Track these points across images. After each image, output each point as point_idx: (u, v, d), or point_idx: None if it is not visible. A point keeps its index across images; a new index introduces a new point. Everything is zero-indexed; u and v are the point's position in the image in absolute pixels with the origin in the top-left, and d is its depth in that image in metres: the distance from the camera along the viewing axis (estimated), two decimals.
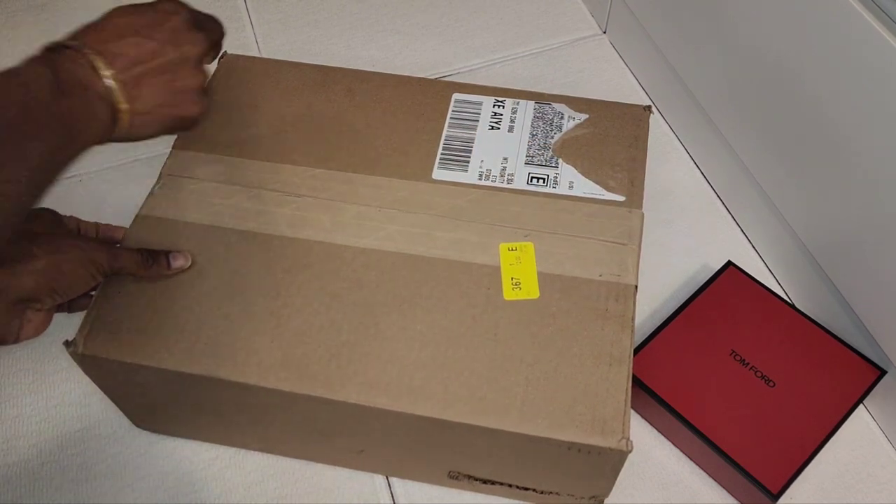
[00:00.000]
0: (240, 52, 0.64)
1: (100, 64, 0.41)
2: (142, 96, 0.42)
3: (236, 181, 0.55)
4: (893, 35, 0.44)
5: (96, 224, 0.54)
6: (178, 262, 0.50)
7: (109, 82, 0.41)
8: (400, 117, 0.59)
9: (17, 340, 0.44)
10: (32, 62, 0.39)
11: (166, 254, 0.50)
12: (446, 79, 0.76)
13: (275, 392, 0.46)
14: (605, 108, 0.59)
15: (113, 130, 0.42)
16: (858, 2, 0.46)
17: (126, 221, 0.53)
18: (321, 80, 0.61)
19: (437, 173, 0.56)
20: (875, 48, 0.45)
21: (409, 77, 0.62)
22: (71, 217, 0.52)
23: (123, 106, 0.42)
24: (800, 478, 0.49)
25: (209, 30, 0.46)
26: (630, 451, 0.44)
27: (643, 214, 0.53)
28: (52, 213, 0.50)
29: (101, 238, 0.53)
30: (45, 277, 0.44)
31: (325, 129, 0.58)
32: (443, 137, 0.58)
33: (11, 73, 0.38)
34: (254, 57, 0.64)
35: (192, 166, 0.56)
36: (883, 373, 0.53)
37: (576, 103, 0.60)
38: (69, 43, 0.41)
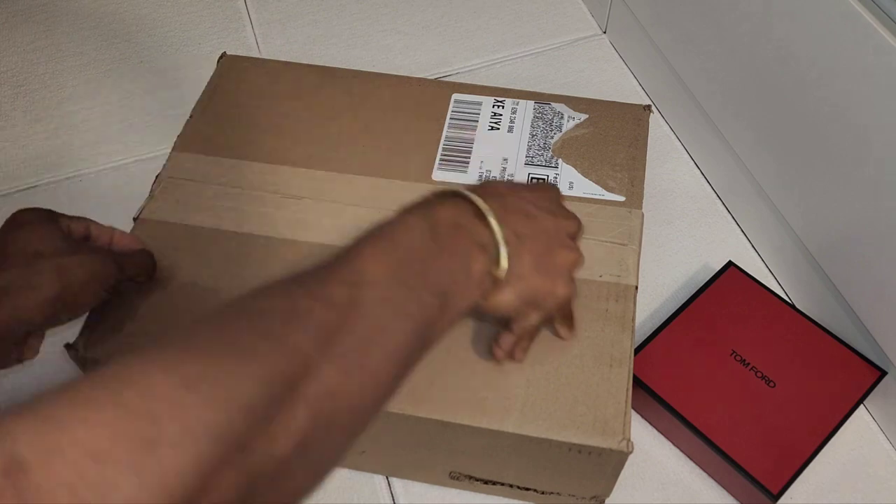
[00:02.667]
0: (240, 53, 0.64)
1: (487, 212, 0.38)
2: (521, 261, 0.39)
3: (236, 183, 0.55)
4: (894, 35, 0.44)
5: (111, 230, 0.48)
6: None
7: (496, 230, 0.38)
8: (400, 118, 0.59)
9: (20, 362, 0.43)
10: (409, 214, 0.37)
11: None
12: (446, 79, 0.76)
13: None
14: (605, 108, 0.59)
15: (482, 293, 0.38)
16: (859, 2, 0.46)
17: (126, 221, 0.53)
18: (320, 80, 0.61)
19: (437, 174, 0.56)
20: (876, 48, 0.45)
21: (408, 77, 0.62)
22: (81, 220, 0.47)
23: (503, 265, 0.38)
24: (800, 478, 0.49)
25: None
26: (631, 452, 0.44)
27: (643, 214, 0.53)
28: (50, 221, 0.44)
29: (113, 249, 0.48)
30: (55, 307, 0.40)
31: (325, 131, 0.58)
32: (442, 138, 0.58)
33: (386, 233, 0.36)
34: (253, 58, 0.64)
35: (192, 168, 0.56)
36: (883, 373, 0.53)
37: (575, 103, 0.60)
38: (455, 190, 0.39)
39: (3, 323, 0.39)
